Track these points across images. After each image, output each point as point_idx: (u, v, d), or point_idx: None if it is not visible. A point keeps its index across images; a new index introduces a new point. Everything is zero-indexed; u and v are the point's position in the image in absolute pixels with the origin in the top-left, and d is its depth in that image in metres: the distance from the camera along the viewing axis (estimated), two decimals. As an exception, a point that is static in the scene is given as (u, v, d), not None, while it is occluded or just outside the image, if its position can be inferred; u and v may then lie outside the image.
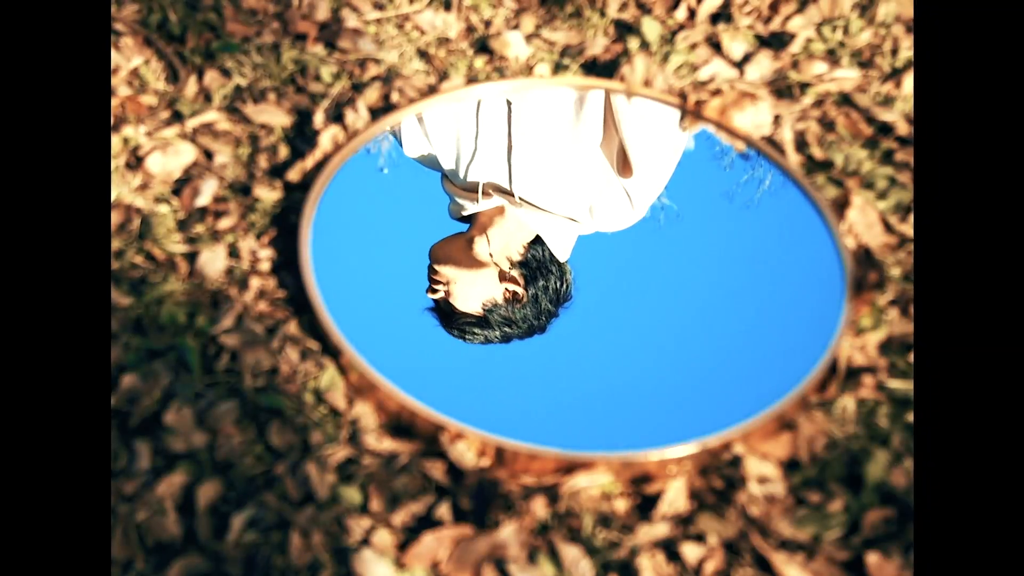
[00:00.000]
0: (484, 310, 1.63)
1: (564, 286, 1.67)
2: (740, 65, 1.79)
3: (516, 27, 1.86)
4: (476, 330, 1.63)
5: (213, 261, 1.51)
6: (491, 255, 1.67)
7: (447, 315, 1.65)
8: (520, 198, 1.71)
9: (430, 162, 1.76)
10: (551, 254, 1.68)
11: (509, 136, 1.74)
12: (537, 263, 1.67)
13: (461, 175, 1.75)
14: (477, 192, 1.73)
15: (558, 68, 1.80)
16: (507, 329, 1.63)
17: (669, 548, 1.28)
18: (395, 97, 1.72)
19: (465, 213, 1.73)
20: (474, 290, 1.65)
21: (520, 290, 1.65)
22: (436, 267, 1.67)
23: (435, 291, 1.65)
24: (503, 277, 1.66)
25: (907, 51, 1.81)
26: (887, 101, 1.74)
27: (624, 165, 1.72)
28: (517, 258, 1.67)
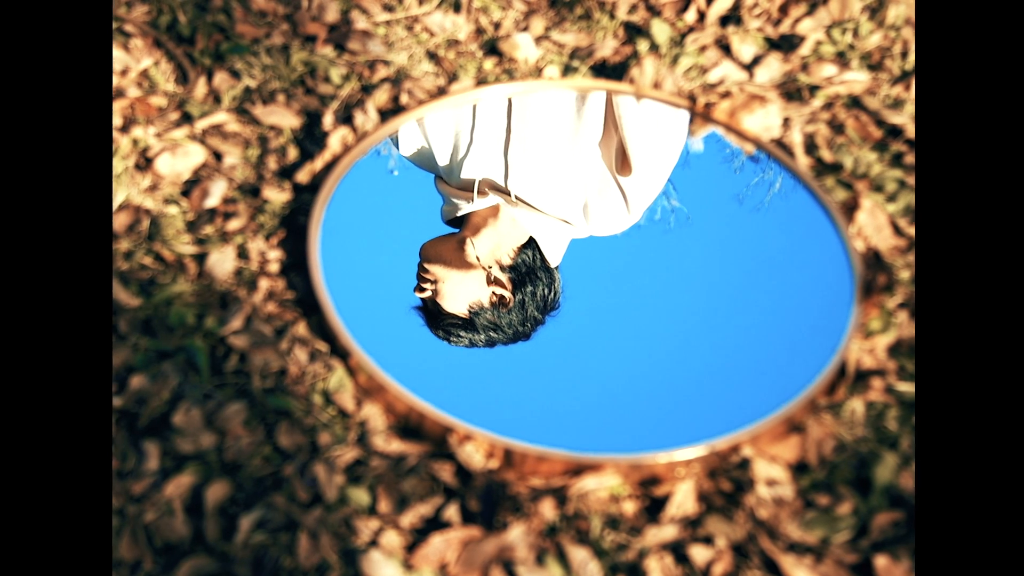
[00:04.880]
0: (470, 312, 1.64)
1: (552, 294, 1.67)
2: (750, 67, 1.79)
3: (525, 29, 1.86)
4: (461, 332, 1.63)
5: (222, 262, 1.51)
6: (478, 258, 1.67)
7: (433, 315, 1.65)
8: (516, 196, 1.71)
9: (425, 159, 1.76)
10: (542, 260, 1.68)
11: (508, 130, 1.74)
12: (527, 268, 1.67)
13: (456, 169, 1.75)
14: (472, 190, 1.73)
15: (567, 70, 1.80)
16: (492, 334, 1.63)
17: (677, 550, 1.28)
18: (404, 99, 1.73)
19: (459, 213, 1.73)
20: (461, 291, 1.65)
21: (507, 294, 1.65)
22: (426, 265, 1.67)
23: (423, 289, 1.66)
24: (491, 280, 1.66)
25: (917, 54, 1.81)
26: (897, 104, 1.74)
27: (623, 163, 1.72)
28: (507, 262, 1.67)
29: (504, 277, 1.66)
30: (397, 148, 1.75)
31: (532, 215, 1.71)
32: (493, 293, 1.65)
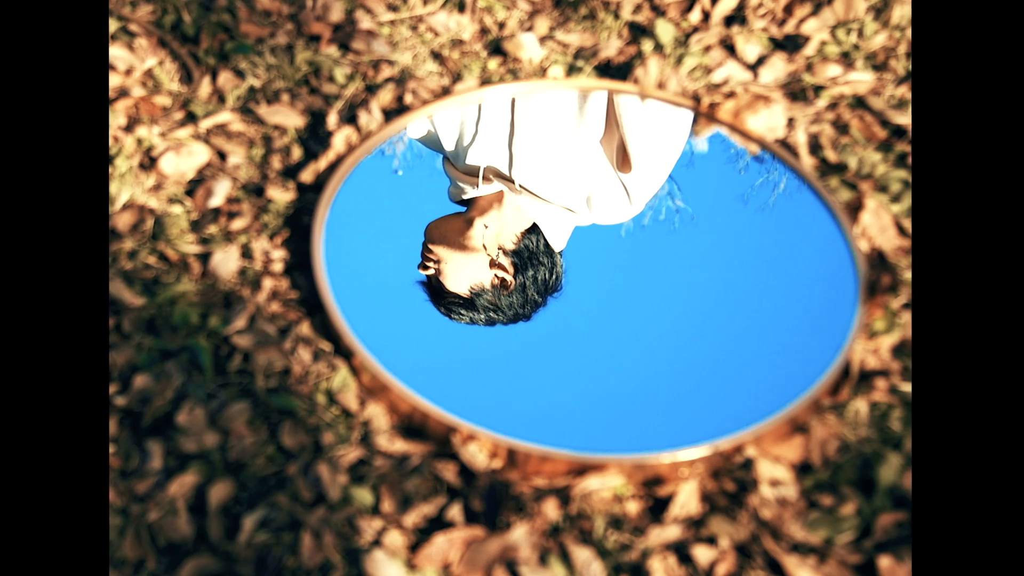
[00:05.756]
0: (471, 293, 1.65)
1: (553, 278, 1.68)
2: (754, 68, 1.79)
3: (530, 29, 1.86)
4: (462, 311, 1.65)
5: (226, 262, 1.51)
6: (483, 243, 1.68)
7: (436, 292, 1.67)
8: (520, 185, 1.72)
9: (433, 141, 1.77)
10: (545, 244, 1.69)
11: (512, 123, 1.75)
12: (529, 253, 1.68)
13: (462, 155, 1.75)
14: (478, 176, 1.73)
15: (572, 70, 1.80)
16: (492, 314, 1.65)
17: (680, 551, 1.28)
18: (408, 99, 1.73)
19: (465, 197, 1.74)
20: (463, 272, 1.67)
21: (509, 278, 1.66)
22: (430, 245, 1.68)
23: (426, 268, 1.67)
24: (493, 263, 1.67)
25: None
26: (901, 104, 1.73)
27: (623, 160, 1.73)
28: (510, 246, 1.68)
29: (507, 261, 1.67)
30: (406, 130, 1.75)
31: (536, 202, 1.72)
32: (495, 276, 1.66)
